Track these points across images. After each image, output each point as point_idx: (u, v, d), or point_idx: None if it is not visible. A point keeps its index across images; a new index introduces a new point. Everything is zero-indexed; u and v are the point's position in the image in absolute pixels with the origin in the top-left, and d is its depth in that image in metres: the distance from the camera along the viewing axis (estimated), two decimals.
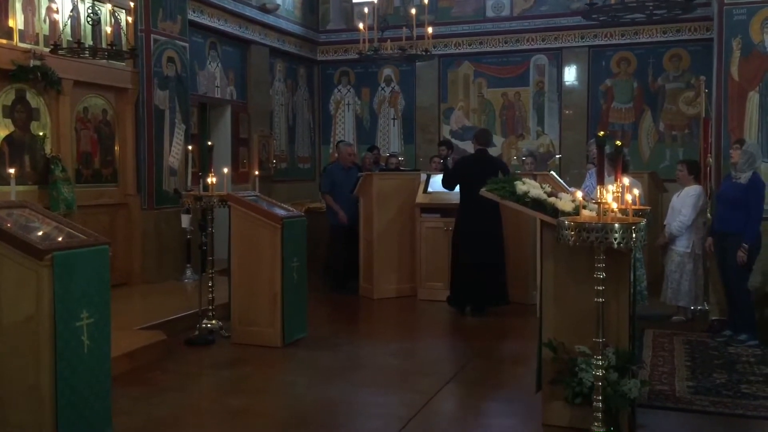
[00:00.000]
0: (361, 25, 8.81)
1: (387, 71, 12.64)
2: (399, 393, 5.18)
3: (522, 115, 12.02)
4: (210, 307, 6.61)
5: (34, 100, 7.13)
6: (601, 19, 5.24)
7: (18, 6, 6.92)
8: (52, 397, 3.68)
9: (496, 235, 7.70)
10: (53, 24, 7.20)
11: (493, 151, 11.61)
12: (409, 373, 5.74)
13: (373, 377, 5.60)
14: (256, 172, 8.48)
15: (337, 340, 6.66)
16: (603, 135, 3.81)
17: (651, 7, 4.92)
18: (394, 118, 12.73)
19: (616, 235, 3.50)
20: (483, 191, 4.73)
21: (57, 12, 7.25)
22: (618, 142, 3.97)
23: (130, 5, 7.23)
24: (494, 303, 7.70)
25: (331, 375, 5.55)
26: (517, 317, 7.54)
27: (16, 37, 6.89)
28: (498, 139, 12.09)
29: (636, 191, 4.08)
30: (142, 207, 8.41)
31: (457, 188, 7.82)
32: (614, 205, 3.63)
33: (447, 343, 6.95)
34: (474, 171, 7.49)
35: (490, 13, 12.07)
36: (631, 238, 3.52)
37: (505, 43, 11.93)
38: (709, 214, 7.21)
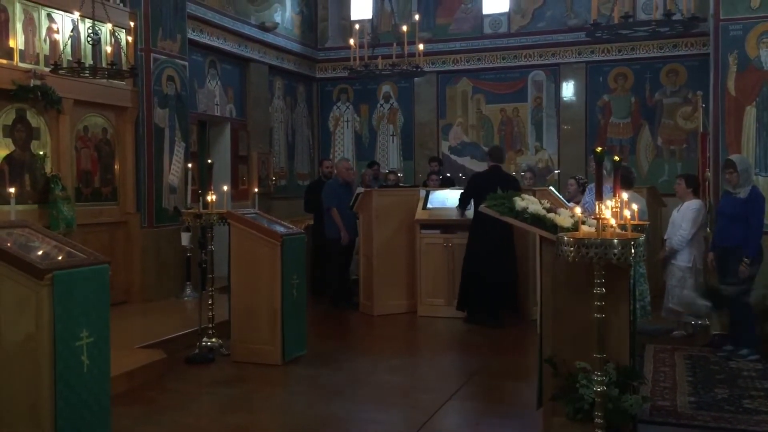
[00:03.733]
0: (352, 42, 8.88)
1: (385, 88, 12.71)
2: (400, 410, 5.17)
3: (520, 131, 12.07)
4: (210, 325, 6.60)
5: (34, 119, 7.15)
6: (604, 36, 5.30)
7: (18, 26, 6.97)
8: (51, 417, 3.67)
9: (508, 251, 7.79)
10: (53, 44, 7.25)
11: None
12: (410, 390, 5.72)
13: (374, 394, 5.58)
14: (256, 189, 8.52)
15: (337, 357, 6.64)
16: (600, 151, 3.82)
17: (654, 25, 4.96)
18: (392, 135, 12.77)
19: (615, 250, 3.51)
20: (482, 207, 4.75)
21: (57, 32, 7.30)
22: (616, 158, 3.98)
23: (130, 25, 7.28)
24: (506, 308, 7.81)
25: (331, 392, 5.53)
26: (517, 332, 7.53)
27: (16, 57, 6.93)
28: None
29: (635, 206, 4.09)
30: (142, 225, 8.42)
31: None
32: (613, 221, 3.64)
33: (447, 359, 6.93)
34: (487, 187, 7.58)
35: (487, 30, 12.16)
36: (630, 253, 3.52)
37: (503, 59, 12.00)
38: (708, 229, 7.22)
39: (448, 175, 11.17)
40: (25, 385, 3.69)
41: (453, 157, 12.19)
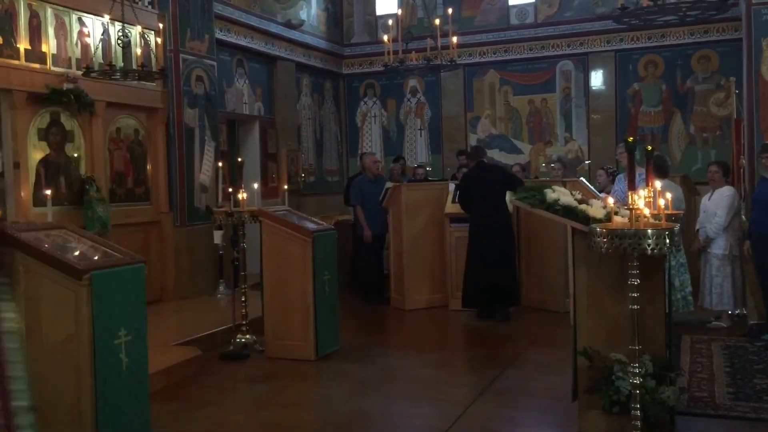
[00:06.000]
0: (386, 38, 8.86)
1: (412, 82, 12.68)
2: (433, 404, 5.17)
3: (549, 122, 11.97)
4: (244, 322, 6.67)
5: (68, 122, 7.28)
6: (632, 23, 5.18)
7: (50, 31, 7.09)
8: (92, 415, 3.73)
9: (506, 243, 7.90)
10: (85, 47, 7.36)
11: (520, 158, 11.70)
12: (443, 384, 5.72)
13: (407, 388, 5.59)
14: (285, 187, 8.56)
15: (370, 351, 6.67)
16: (632, 140, 3.77)
17: (685, 9, 4.84)
18: (420, 129, 12.75)
19: (650, 241, 3.47)
20: (513, 200, 4.73)
21: (88, 36, 7.42)
22: (648, 147, 3.93)
23: (159, 27, 7.36)
24: (508, 304, 7.84)
25: (365, 387, 5.56)
26: (549, 325, 7.48)
27: (49, 61, 7.06)
28: (525, 146, 12.07)
29: (669, 195, 4.03)
30: (175, 224, 8.53)
31: None
32: (646, 211, 3.59)
33: (479, 352, 6.92)
34: (477, 183, 7.89)
35: (514, 21, 12.07)
36: (665, 243, 3.48)
37: (530, 50, 11.90)
38: (743, 217, 7.09)
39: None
40: (66, 384, 3.76)
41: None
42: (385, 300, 8.89)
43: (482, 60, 12.19)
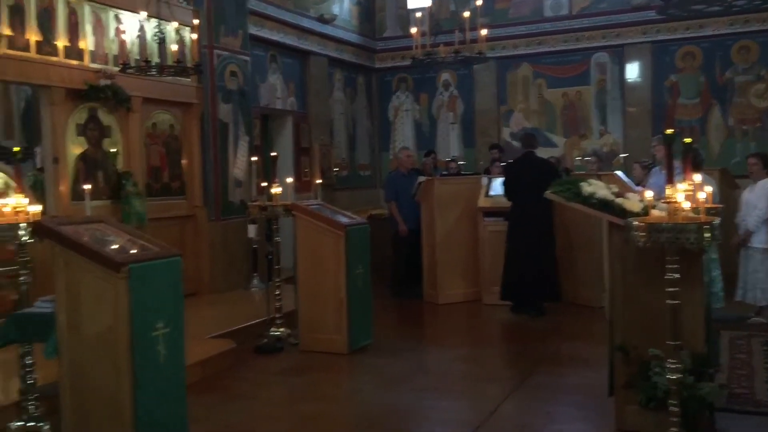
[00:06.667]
0: (413, 30, 8.82)
1: (445, 76, 12.63)
2: (467, 398, 5.16)
3: (584, 115, 11.82)
4: (277, 315, 6.72)
5: (105, 118, 7.39)
6: (677, 14, 5.07)
7: (88, 28, 7.20)
8: (131, 406, 3.79)
9: (545, 236, 7.76)
10: (121, 44, 7.46)
11: (555, 152, 11.57)
12: (477, 379, 5.70)
13: (440, 383, 5.58)
14: (319, 181, 8.59)
15: (403, 345, 6.67)
16: (671, 132, 3.70)
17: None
18: (453, 123, 12.69)
19: (689, 235, 3.40)
20: (548, 194, 4.68)
21: (125, 32, 7.51)
22: (687, 140, 3.85)
23: (194, 23, 7.43)
24: (546, 299, 7.75)
25: (398, 381, 5.56)
26: (585, 320, 7.41)
27: (87, 57, 7.17)
28: (560, 140, 11.95)
29: (709, 188, 3.95)
30: (210, 218, 8.61)
31: None
32: (685, 204, 3.53)
33: (513, 347, 6.88)
34: (521, 175, 7.74)
35: (548, 13, 11.94)
36: (704, 237, 3.42)
37: (565, 42, 11.77)
38: None
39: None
40: (105, 376, 3.81)
41: (515, 143, 12.01)
42: (418, 294, 8.88)
43: (515, 53, 12.09)
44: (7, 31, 6.36)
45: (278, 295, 6.72)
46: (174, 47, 7.17)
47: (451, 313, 8.18)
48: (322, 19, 11.23)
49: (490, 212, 8.41)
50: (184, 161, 8.53)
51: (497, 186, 8.57)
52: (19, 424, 4.21)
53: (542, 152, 11.58)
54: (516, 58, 12.13)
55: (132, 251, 4.17)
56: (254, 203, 7.12)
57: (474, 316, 8.06)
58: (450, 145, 12.66)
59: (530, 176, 7.58)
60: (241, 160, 9.02)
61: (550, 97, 12.02)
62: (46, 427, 4.20)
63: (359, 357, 6.24)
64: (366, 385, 5.53)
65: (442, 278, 8.52)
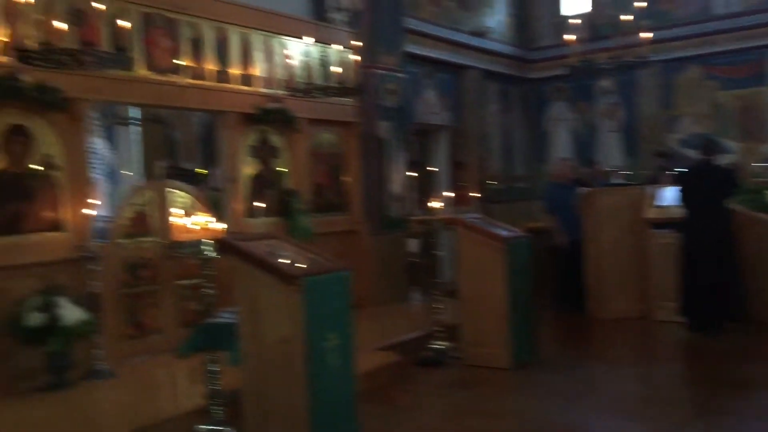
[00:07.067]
0: (569, 38, 8.56)
1: (603, 82, 12.18)
2: (645, 422, 4.86)
3: (762, 117, 10.94)
4: (439, 329, 6.74)
5: (274, 139, 7.81)
6: None
7: (258, 55, 7.65)
8: (307, 414, 3.95)
9: (726, 249, 7.13)
10: (288, 68, 7.86)
11: (729, 158, 10.77)
12: (652, 401, 5.39)
13: (613, 403, 5.34)
14: (475, 194, 8.58)
15: (568, 362, 6.48)
16: None
17: None
18: (613, 131, 12.21)
19: None
20: (731, 204, 4.37)
21: (291, 57, 7.91)
22: None
23: (354, 45, 7.68)
24: (729, 318, 7.18)
25: (566, 399, 5.39)
26: (763, 338, 6.81)
27: (256, 83, 7.62)
28: (734, 145, 11.12)
29: None
30: (370, 233, 8.83)
31: None
32: None
33: (686, 367, 6.47)
34: (697, 184, 7.23)
35: (718, 11, 11.20)
36: None
37: (737, 40, 10.97)
38: None
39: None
40: (283, 384, 4.02)
41: (683, 150, 11.36)
42: (581, 309, 8.59)
43: (682, 55, 11.43)
44: (190, 62, 6.90)
45: (439, 308, 6.75)
46: (336, 69, 7.45)
47: (617, 328, 7.83)
48: (476, 33, 11.23)
49: (658, 223, 7.98)
50: (345, 178, 8.82)
51: (666, 196, 8.14)
52: (206, 427, 4.50)
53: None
54: (682, 60, 11.46)
55: (304, 265, 4.37)
56: (414, 217, 7.22)
57: (642, 333, 7.67)
58: (611, 154, 12.17)
59: (708, 185, 7.09)
60: (399, 176, 9.19)
61: (722, 99, 11.24)
62: (231, 431, 4.45)
63: (523, 372, 6.13)
64: (533, 402, 5.40)
65: (606, 292, 8.20)
